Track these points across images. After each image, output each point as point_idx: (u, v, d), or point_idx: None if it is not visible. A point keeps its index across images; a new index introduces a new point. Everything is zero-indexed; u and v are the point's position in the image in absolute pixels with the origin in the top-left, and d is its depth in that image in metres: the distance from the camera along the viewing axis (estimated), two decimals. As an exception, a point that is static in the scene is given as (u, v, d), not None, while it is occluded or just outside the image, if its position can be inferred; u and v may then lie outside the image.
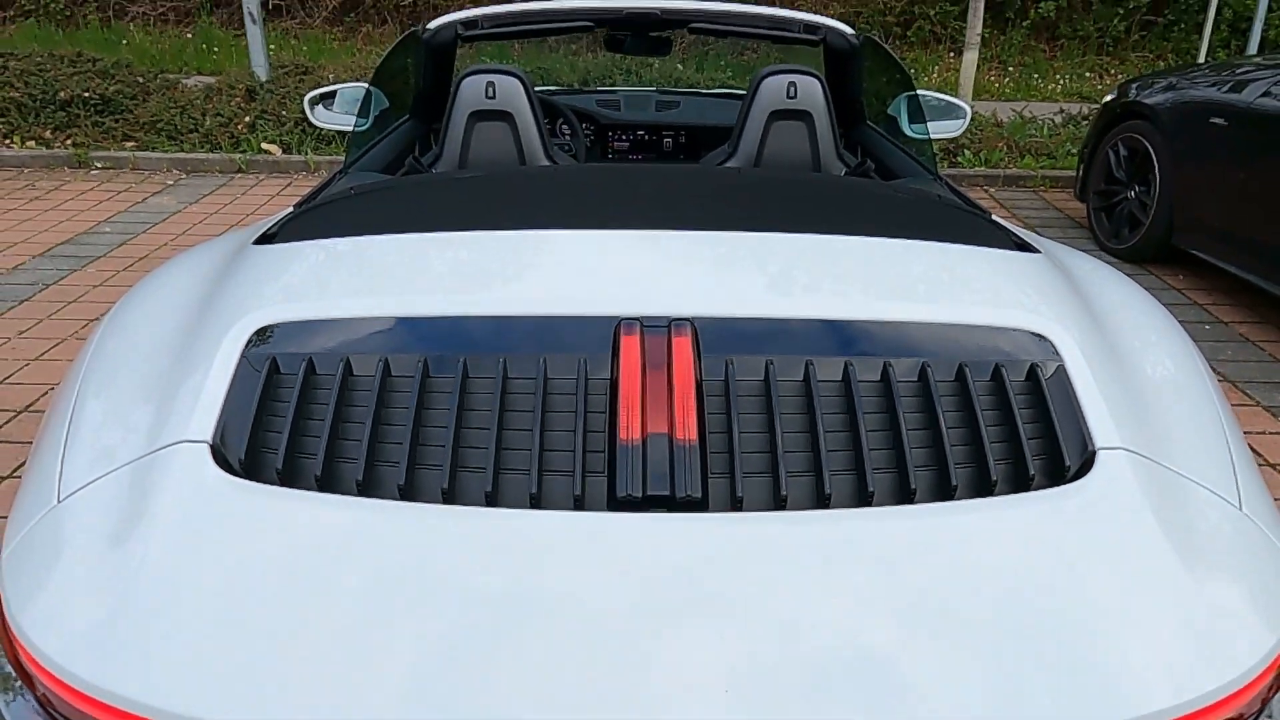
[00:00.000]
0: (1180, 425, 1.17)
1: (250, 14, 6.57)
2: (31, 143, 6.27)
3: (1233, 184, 3.95)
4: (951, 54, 11.65)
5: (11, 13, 11.80)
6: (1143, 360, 1.28)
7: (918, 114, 2.83)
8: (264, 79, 6.71)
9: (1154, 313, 1.45)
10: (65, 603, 0.93)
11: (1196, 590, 0.95)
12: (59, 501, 1.06)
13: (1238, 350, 3.70)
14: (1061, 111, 7.21)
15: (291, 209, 1.86)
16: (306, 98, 2.94)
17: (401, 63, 2.86)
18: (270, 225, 1.63)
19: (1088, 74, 11.33)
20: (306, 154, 6.21)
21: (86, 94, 6.44)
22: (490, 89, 2.16)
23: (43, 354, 3.50)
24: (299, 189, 5.81)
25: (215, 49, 11.16)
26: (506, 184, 1.57)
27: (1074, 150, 6.38)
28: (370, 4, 11.85)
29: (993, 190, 6.05)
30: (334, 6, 12.01)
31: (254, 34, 6.66)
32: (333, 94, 3.01)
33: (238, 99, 6.58)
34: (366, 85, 3.01)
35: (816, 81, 2.23)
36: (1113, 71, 11.52)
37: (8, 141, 6.28)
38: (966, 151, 6.31)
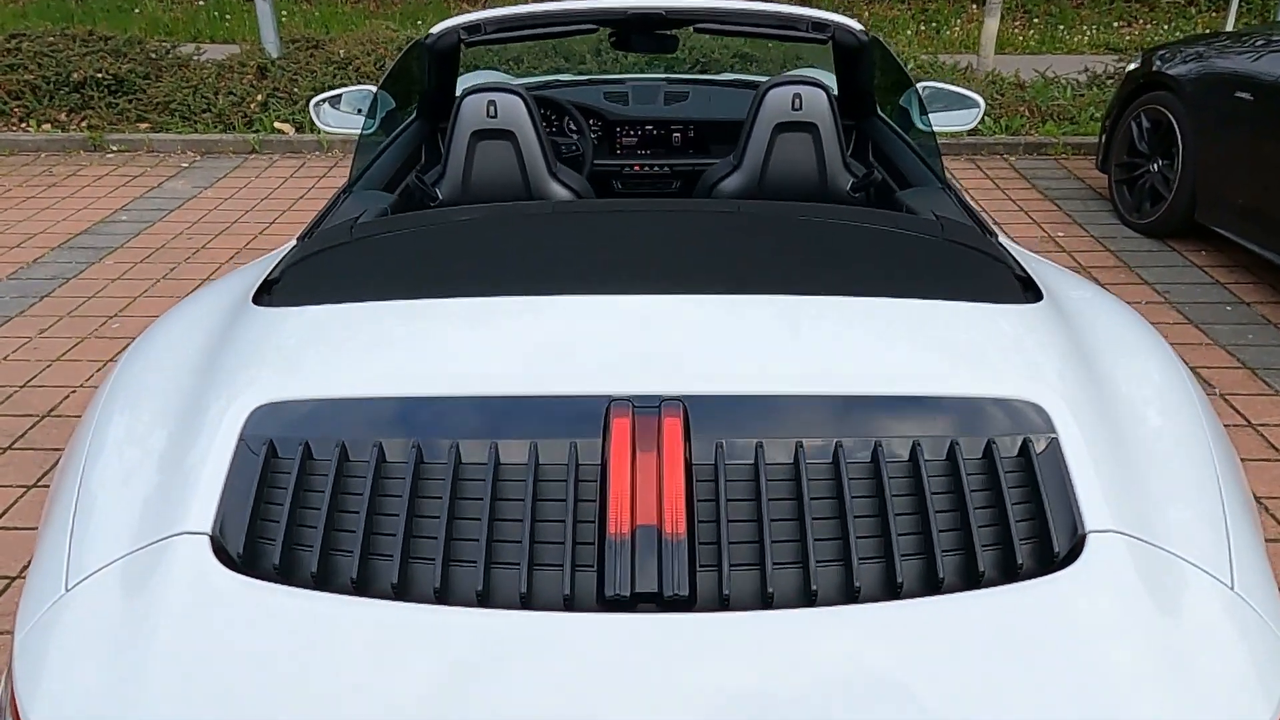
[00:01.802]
0: (1176, 497, 1.17)
1: (259, -11, 6.52)
2: (47, 126, 6.29)
3: (1258, 160, 3.86)
4: (975, 4, 11.37)
5: (24, -18, 11.76)
6: (1142, 422, 1.27)
7: (924, 109, 2.78)
8: (275, 56, 6.67)
9: (1158, 360, 1.43)
10: (71, 696, 0.97)
11: (1186, 676, 0.96)
12: (66, 591, 1.09)
13: (1259, 334, 3.65)
14: (1086, 70, 7.04)
15: (294, 243, 1.87)
16: (312, 102, 2.93)
17: (407, 68, 2.84)
18: (271, 269, 1.64)
19: (1116, 23, 11.04)
20: (320, 132, 6.19)
21: (99, 74, 6.43)
22: (492, 108, 2.15)
23: (64, 354, 3.56)
24: (312, 170, 5.81)
25: (228, 15, 11.10)
26: (502, 232, 1.57)
27: (1097, 115, 6.24)
28: (382, -34, 11.70)
29: (1013, 159, 5.94)
30: (345, -31, 11.86)
31: (264, 10, 6.61)
32: (338, 97, 3.00)
33: (249, 77, 6.55)
34: (372, 89, 3.00)
35: (821, 92, 2.20)
36: (1141, 19, 11.21)
37: (24, 125, 6.31)
38: (987, 118, 6.19)
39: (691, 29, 2.76)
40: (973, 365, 1.25)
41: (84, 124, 6.31)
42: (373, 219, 1.81)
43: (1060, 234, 4.69)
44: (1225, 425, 3.06)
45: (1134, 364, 1.39)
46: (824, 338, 1.28)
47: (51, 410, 3.19)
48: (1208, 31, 6.90)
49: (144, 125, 6.32)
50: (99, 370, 3.44)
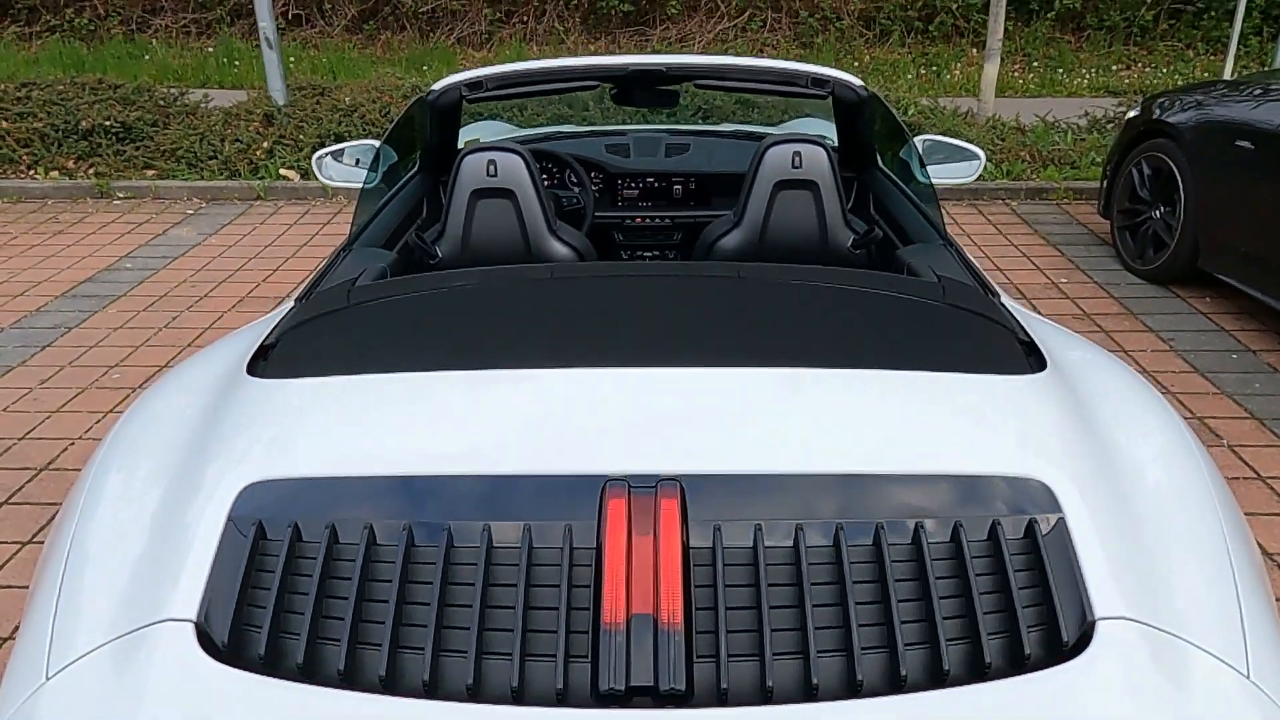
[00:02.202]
0: (1188, 578, 1.14)
1: (266, 39, 6.60)
2: (55, 173, 6.35)
3: (1260, 208, 3.85)
4: (974, 48, 11.49)
5: (38, 28, 11.96)
6: (1151, 498, 1.24)
7: (924, 163, 2.79)
8: (281, 103, 6.74)
9: (1165, 431, 1.41)
10: None
11: None
12: (47, 679, 1.06)
13: (1266, 383, 3.62)
14: (1086, 115, 7.08)
15: (291, 304, 1.86)
16: (315, 156, 2.95)
17: (409, 123, 2.86)
18: (268, 334, 1.62)
19: (1115, 66, 11.13)
20: (324, 179, 6.24)
21: (108, 122, 6.50)
22: (492, 167, 2.15)
23: (64, 405, 3.55)
24: (317, 217, 5.84)
25: (236, 62, 11.25)
26: (498, 299, 1.55)
27: (1098, 160, 6.27)
28: (389, 11, 11.88)
29: (1015, 204, 5.95)
30: (353, 15, 12.05)
31: (270, 58, 6.68)
32: (340, 151, 3.02)
33: (256, 124, 6.62)
34: (374, 143, 3.01)
35: (821, 150, 2.20)
36: (1140, 63, 11.31)
37: (32, 173, 6.37)
38: (988, 164, 6.21)
39: (692, 85, 2.77)
40: (976, 441, 1.23)
41: (91, 171, 6.37)
42: (370, 281, 1.81)
43: (1063, 280, 4.68)
44: (1233, 478, 3.02)
45: (1141, 436, 1.37)
46: (824, 412, 1.26)
47: (50, 463, 3.17)
48: (1207, 79, 6.96)
49: (150, 172, 6.37)
50: (99, 422, 3.43)
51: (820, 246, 2.26)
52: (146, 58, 11.45)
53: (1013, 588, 1.06)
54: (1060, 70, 10.81)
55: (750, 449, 1.19)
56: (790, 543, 1.10)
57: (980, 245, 5.17)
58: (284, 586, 1.08)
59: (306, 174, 6.31)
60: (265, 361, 1.48)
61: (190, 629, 1.05)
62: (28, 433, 3.36)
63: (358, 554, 1.10)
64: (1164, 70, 10.77)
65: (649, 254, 3.17)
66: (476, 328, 1.46)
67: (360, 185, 2.70)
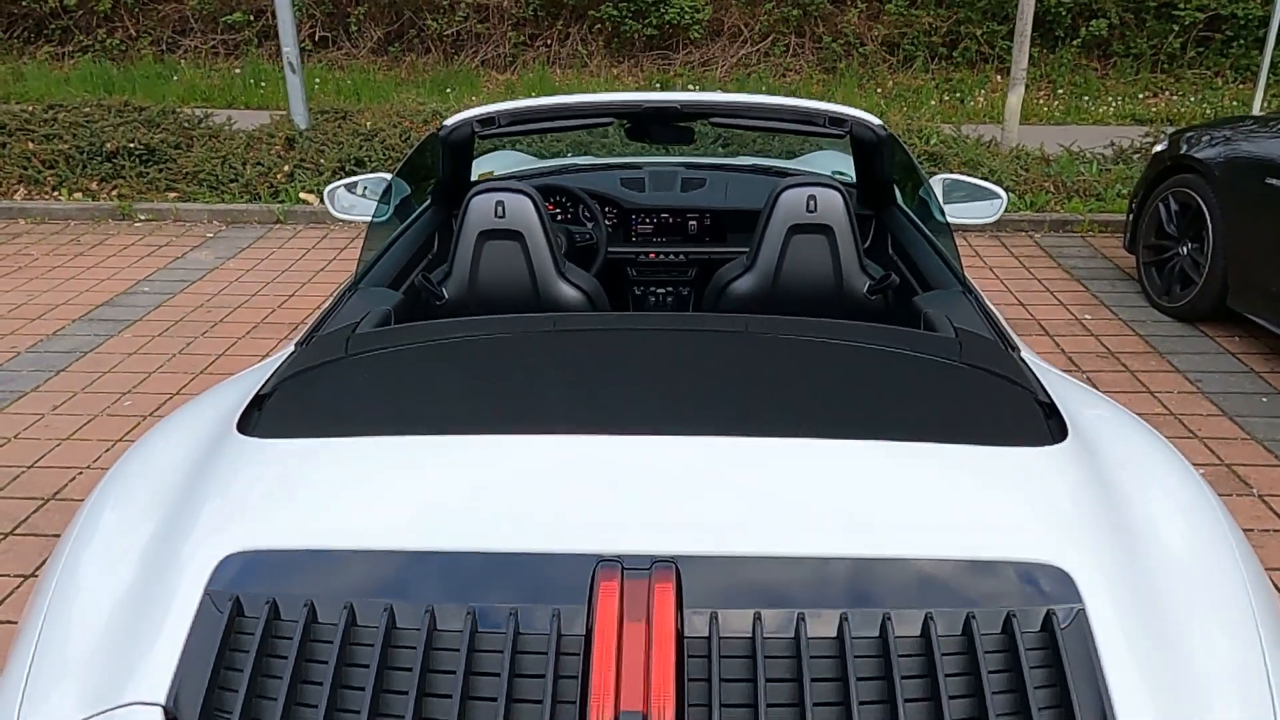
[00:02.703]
0: (1217, 674, 1.07)
1: (290, 64, 6.64)
2: (78, 195, 6.40)
3: (1291, 249, 3.76)
4: (999, 74, 11.42)
5: (70, 48, 12.14)
6: (1179, 583, 1.17)
7: (942, 207, 2.73)
8: (303, 127, 6.78)
9: (1192, 504, 1.34)
10: None
11: None
12: None
13: (1297, 428, 3.52)
14: (1112, 145, 6.99)
15: (293, 349, 1.82)
16: (327, 189, 2.93)
17: (422, 158, 2.83)
18: (263, 383, 1.59)
19: (1141, 94, 11.02)
20: (343, 203, 6.25)
21: (132, 144, 6.56)
22: (500, 208, 2.12)
23: (74, 433, 3.54)
24: (335, 241, 5.84)
25: (262, 83, 11.36)
26: (498, 353, 1.51)
27: (1124, 192, 6.18)
28: (414, 34, 11.97)
29: (1038, 236, 5.87)
30: (378, 37, 12.15)
31: (293, 83, 6.72)
32: (354, 184, 3.00)
33: (277, 148, 6.65)
34: (386, 176, 2.99)
35: (836, 194, 2.15)
36: (1167, 91, 11.19)
37: (55, 194, 6.42)
38: (1012, 195, 6.13)
39: (708, 123, 2.73)
40: (991, 522, 1.17)
41: (114, 193, 6.41)
42: (371, 329, 1.77)
43: (1088, 317, 4.59)
44: (1263, 530, 2.92)
45: (1166, 512, 1.30)
46: (831, 489, 1.20)
47: (57, 493, 3.15)
48: (1236, 110, 6.86)
49: (172, 194, 6.41)
50: (107, 451, 3.41)
51: (835, 292, 2.21)
52: (175, 78, 11.60)
53: (1028, 688, 1.00)
54: (1086, 98, 10.72)
55: (751, 528, 1.13)
56: (791, 633, 1.04)
57: (1003, 279, 5.09)
58: (258, 669, 1.04)
59: (326, 198, 6.33)
60: (256, 417, 1.44)
61: (159, 714, 1.01)
62: (37, 460, 3.35)
63: (336, 635, 1.05)
64: (1191, 99, 10.65)
65: (662, 290, 3.12)
66: (473, 387, 1.42)
67: (370, 218, 2.67)
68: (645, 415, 1.31)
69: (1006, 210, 6.13)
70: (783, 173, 3.33)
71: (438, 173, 2.92)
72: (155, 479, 1.36)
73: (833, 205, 2.15)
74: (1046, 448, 1.32)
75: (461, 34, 11.75)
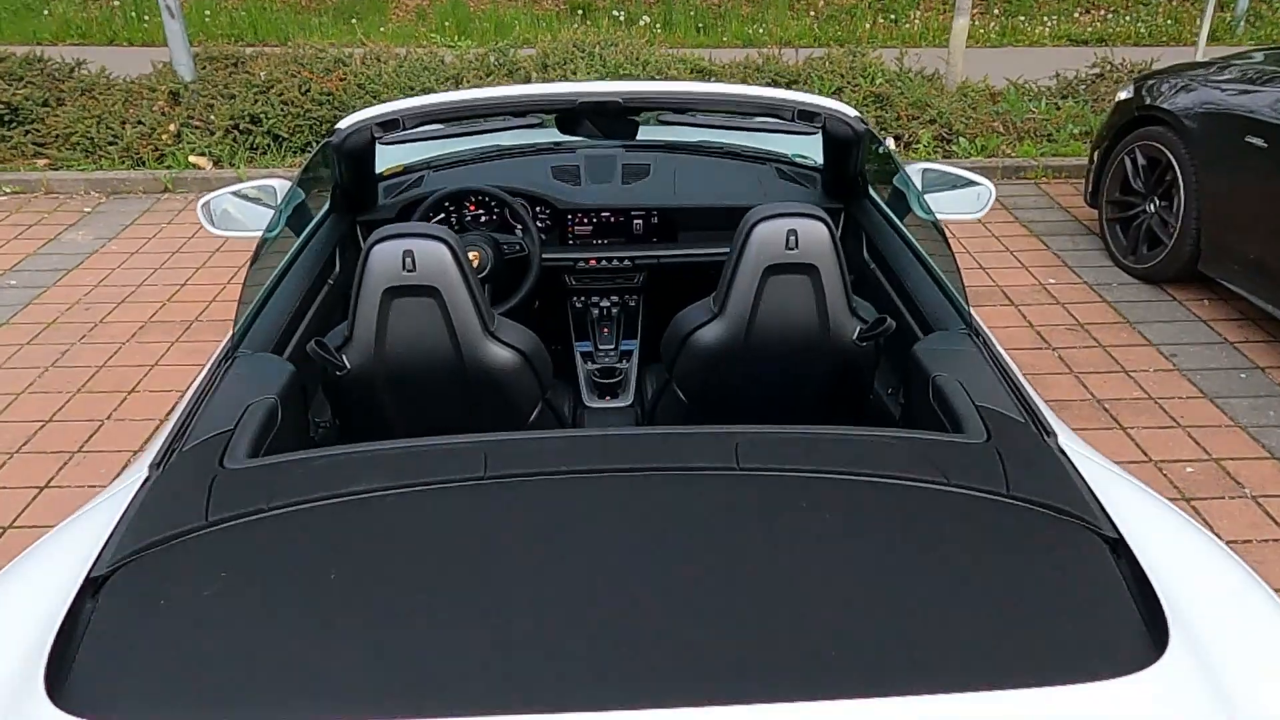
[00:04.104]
0: None
1: (168, 7, 5.90)
2: (-70, 165, 5.65)
3: (1275, 213, 3.51)
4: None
5: (-79, -21, 10.87)
6: None
7: (920, 194, 2.39)
8: (188, 79, 6.07)
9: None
10: None
11: None
12: None
13: (1280, 409, 3.33)
14: (1056, 76, 6.67)
15: (147, 473, 1.40)
16: (199, 203, 2.44)
17: (314, 174, 2.37)
18: (93, 567, 1.17)
19: (1076, 11, 10.74)
20: (239, 167, 5.64)
21: (-10, 103, 5.79)
22: (408, 260, 1.70)
23: (-73, 479, 3.04)
24: (232, 213, 5.25)
25: (146, 17, 10.33)
26: (404, 541, 1.13)
27: (1075, 131, 5.90)
28: (314, -41, 10.98)
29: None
30: (275, -38, 11.13)
31: (173, 29, 5.99)
32: (232, 194, 2.51)
33: (160, 103, 5.95)
34: (275, 184, 2.51)
35: (821, 225, 1.78)
36: (1101, 7, 10.92)
37: (-97, 165, 5.66)
38: (961, 139, 5.81)
39: (655, 119, 2.32)
40: None
41: (-28, 161, 5.68)
42: (245, 458, 1.36)
43: (1051, 280, 4.33)
44: (1265, 540, 2.72)
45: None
46: None
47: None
48: (1205, 61, 6.61)
49: (42, 161, 5.70)
50: (-34, 503, 2.93)
51: (819, 340, 1.85)
52: (46, 13, 10.49)
53: None
54: (1022, 18, 10.39)
55: None
56: None
57: (961, 239, 4.79)
58: None
59: (220, 161, 5.70)
60: (71, 674, 1.02)
61: None
62: (-120, 520, 2.85)
63: None
64: (1126, 17, 10.41)
65: (606, 303, 2.73)
66: (367, 605, 1.04)
67: (262, 233, 2.21)
68: (598, 677, 0.95)
69: (958, 156, 5.83)
70: (736, 153, 2.92)
71: (335, 178, 2.46)
72: None
73: (817, 239, 1.78)
74: (1147, 673, 0.98)
75: (367, -43, 10.83)
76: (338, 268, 2.44)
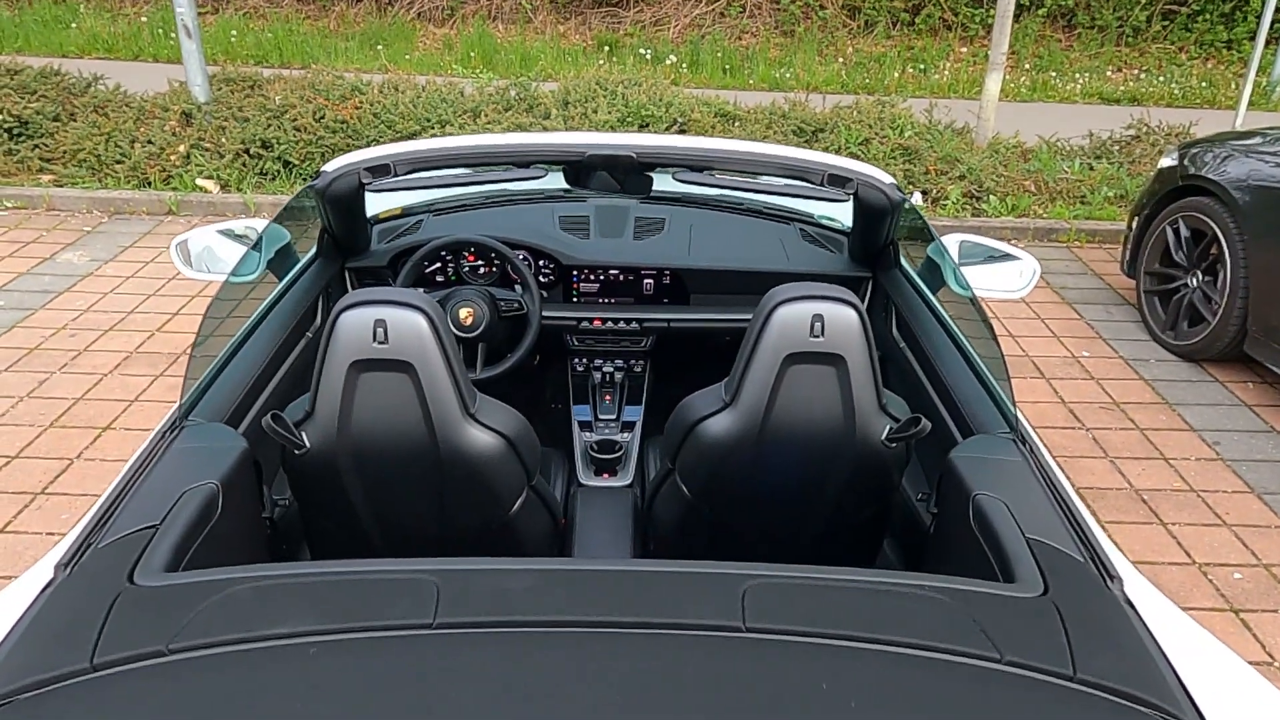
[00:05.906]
0: None
1: (185, 27, 5.78)
2: (-68, 176, 5.53)
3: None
4: (962, 45, 10.87)
5: (-47, -12, 10.92)
6: None
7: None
8: (202, 100, 5.94)
9: None
10: None
11: None
12: None
13: (1334, 511, 3.07)
14: (1090, 136, 6.47)
15: (53, 574, 1.20)
16: (174, 242, 2.26)
17: (292, 220, 2.19)
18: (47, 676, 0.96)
19: (1106, 69, 10.57)
20: (246, 192, 5.49)
21: (0, 115, 5.68)
22: (380, 330, 1.49)
23: (-123, 517, 2.84)
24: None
25: (172, 34, 10.30)
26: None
27: (1109, 194, 5.69)
28: (340, -17, 10.99)
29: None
30: (302, -15, 11.15)
31: (189, 49, 5.87)
32: (211, 232, 2.33)
33: (172, 124, 5.82)
34: (249, 227, 2.33)
35: (851, 311, 1.56)
36: (1133, 65, 10.75)
37: (-95, 175, 5.54)
38: (992, 197, 5.61)
39: (671, 176, 2.12)
40: None
41: (-24, 174, 5.55)
42: (156, 582, 1.15)
43: (1085, 353, 4.10)
44: (1321, 665, 2.47)
45: None
46: None
47: None
48: (1251, 130, 6.43)
49: (47, 177, 5.56)
50: (-86, 546, 2.73)
51: (842, 439, 1.63)
52: (74, 26, 10.50)
53: None
54: (1053, 73, 10.24)
55: None
56: None
57: (990, 303, 4.56)
58: None
59: (227, 185, 5.55)
60: None
61: None
62: None
63: None
64: (1160, 78, 10.25)
65: (610, 367, 2.52)
66: None
67: (226, 277, 2.02)
68: None
69: (987, 215, 5.62)
70: (758, 211, 2.72)
71: (323, 222, 2.27)
72: None
73: (845, 327, 1.56)
74: None
75: (392, -19, 10.83)
76: (318, 319, 2.24)
